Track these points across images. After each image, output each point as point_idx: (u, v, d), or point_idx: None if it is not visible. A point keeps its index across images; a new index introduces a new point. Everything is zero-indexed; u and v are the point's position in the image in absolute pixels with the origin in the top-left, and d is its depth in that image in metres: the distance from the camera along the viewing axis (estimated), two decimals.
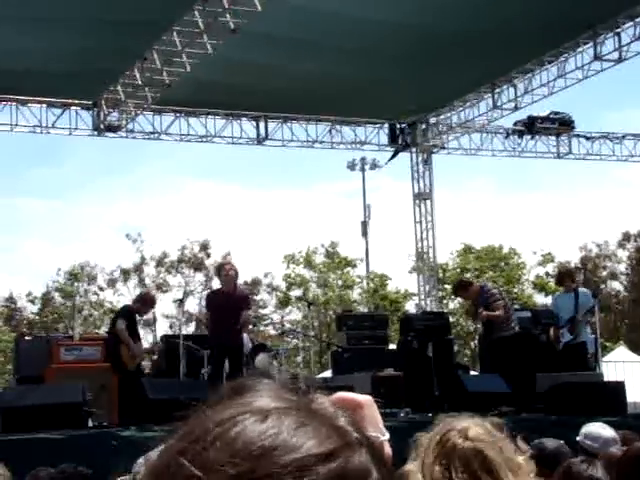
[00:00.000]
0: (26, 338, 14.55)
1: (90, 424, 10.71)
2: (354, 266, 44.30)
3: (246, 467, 0.86)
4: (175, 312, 41.34)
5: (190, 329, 39.32)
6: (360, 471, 0.89)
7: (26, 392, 10.78)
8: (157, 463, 0.90)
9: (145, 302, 12.88)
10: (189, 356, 13.11)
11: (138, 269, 45.28)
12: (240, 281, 13.21)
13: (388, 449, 1.16)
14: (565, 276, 13.99)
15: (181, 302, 15.47)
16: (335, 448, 0.89)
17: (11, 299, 45.69)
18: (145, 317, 13.02)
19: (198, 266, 46.14)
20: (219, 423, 0.90)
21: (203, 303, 44.45)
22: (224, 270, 12.69)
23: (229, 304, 12.27)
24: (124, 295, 45.19)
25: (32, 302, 45.34)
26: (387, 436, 1.16)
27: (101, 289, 44.09)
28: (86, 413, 10.63)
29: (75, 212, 58.91)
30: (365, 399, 1.15)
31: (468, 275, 42.88)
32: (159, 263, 45.68)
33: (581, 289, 14.07)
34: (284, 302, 45.37)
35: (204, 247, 46.22)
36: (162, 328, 42.56)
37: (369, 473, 0.89)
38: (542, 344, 13.42)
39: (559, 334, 13.00)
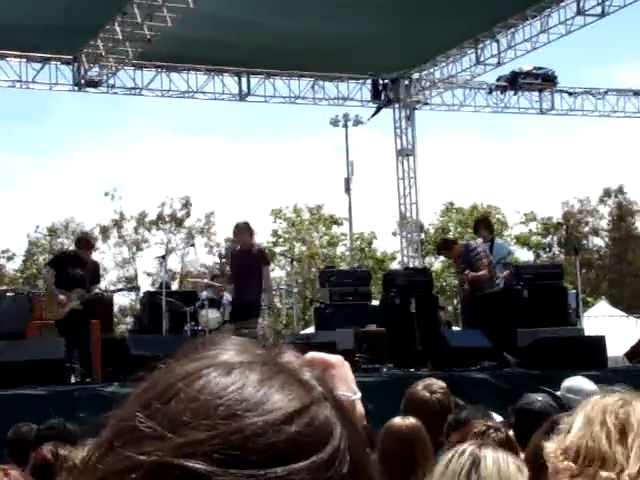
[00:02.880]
0: (7, 294, 14.48)
1: (73, 380, 10.74)
2: (340, 224, 44.37)
3: (210, 425, 0.84)
4: (157, 269, 41.41)
5: (174, 286, 39.31)
6: (325, 426, 0.88)
7: (7, 348, 10.76)
8: (119, 417, 0.89)
9: (81, 244, 12.34)
10: (172, 313, 13.11)
11: (117, 225, 45.13)
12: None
13: (360, 408, 1.16)
14: (481, 225, 14.07)
15: (163, 259, 15.41)
16: (301, 405, 0.88)
17: None
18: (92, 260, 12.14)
19: (179, 223, 46.01)
20: (183, 377, 0.89)
21: (187, 260, 44.63)
22: (240, 230, 12.88)
23: (248, 262, 12.44)
24: (105, 252, 45.16)
25: (10, 259, 45.22)
26: (358, 395, 1.16)
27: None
28: (68, 369, 10.65)
29: (56, 168, 58.64)
30: (336, 359, 1.16)
31: (450, 233, 43.11)
32: (139, 220, 45.54)
33: (498, 240, 14.23)
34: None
35: (185, 204, 46.08)
36: (145, 285, 42.63)
37: (334, 428, 0.88)
38: (524, 299, 13.49)
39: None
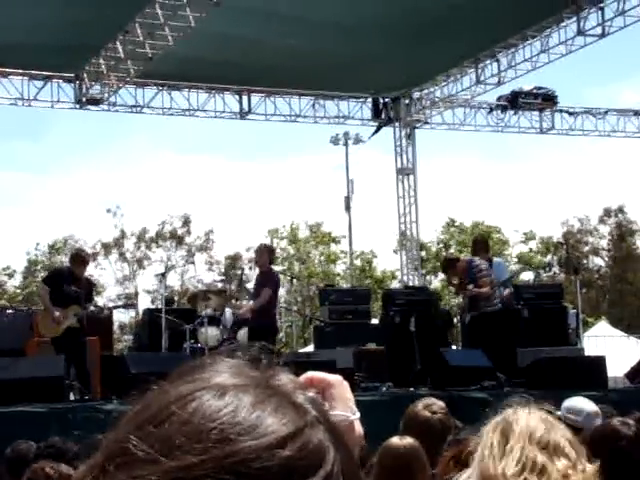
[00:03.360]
0: (7, 311, 14.47)
1: (72, 397, 10.71)
2: (338, 242, 44.37)
3: (203, 449, 0.84)
4: (157, 287, 41.38)
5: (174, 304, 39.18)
6: (318, 450, 0.87)
7: (7, 365, 10.74)
8: (112, 438, 0.88)
9: (75, 261, 12.12)
10: (171, 330, 13.09)
11: (118, 243, 45.15)
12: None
13: (359, 428, 1.16)
14: (479, 246, 14.06)
15: (163, 276, 15.42)
16: (295, 428, 0.87)
17: None
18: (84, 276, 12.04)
19: (179, 240, 46.04)
20: (176, 399, 0.88)
21: (185, 277, 44.57)
22: (259, 251, 13.27)
23: (262, 283, 12.76)
24: (105, 269, 45.16)
25: (10, 276, 45.21)
26: (357, 415, 1.15)
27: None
28: (67, 386, 10.63)
29: (56, 185, 58.70)
30: (334, 378, 1.15)
31: (452, 250, 43.09)
32: (139, 238, 45.55)
33: (496, 259, 14.19)
34: None
35: (185, 222, 46.11)
36: (144, 303, 42.60)
37: (327, 452, 0.88)
38: (524, 319, 13.47)
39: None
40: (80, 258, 12.18)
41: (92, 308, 12.09)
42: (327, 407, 1.11)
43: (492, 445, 2.63)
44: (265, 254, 13.06)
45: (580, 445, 2.71)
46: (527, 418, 2.70)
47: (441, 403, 5.35)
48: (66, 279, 11.62)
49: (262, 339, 12.42)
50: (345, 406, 1.14)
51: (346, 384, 1.17)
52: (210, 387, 0.89)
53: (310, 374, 1.13)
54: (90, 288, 12.25)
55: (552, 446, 2.62)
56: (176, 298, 41.96)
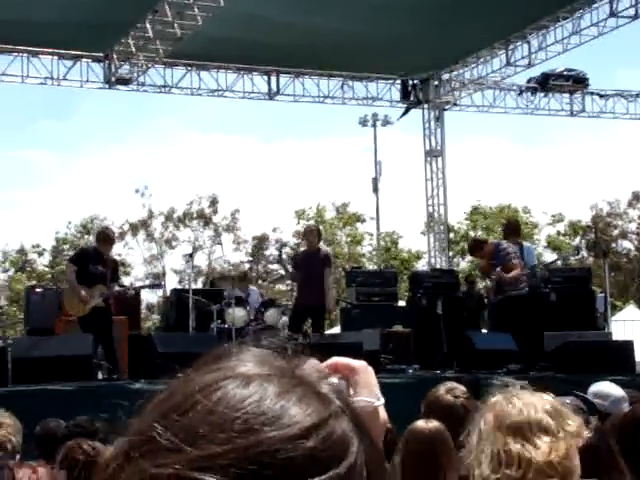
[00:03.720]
0: (37, 290, 14.58)
1: (100, 376, 10.80)
2: (363, 221, 44.29)
3: (227, 439, 0.84)
4: (184, 267, 41.53)
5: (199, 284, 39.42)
6: (342, 441, 0.87)
7: (36, 344, 10.86)
8: (137, 427, 0.88)
9: (100, 239, 12.03)
10: (199, 310, 13.15)
11: (145, 224, 45.32)
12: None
13: (383, 414, 1.16)
14: (515, 228, 13.86)
15: (190, 257, 15.45)
16: (319, 419, 0.87)
17: (22, 251, 45.89)
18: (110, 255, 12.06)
19: (207, 221, 46.14)
20: (201, 388, 0.88)
21: (213, 257, 44.73)
22: (308, 232, 13.19)
23: (313, 264, 12.56)
24: (133, 249, 45.36)
25: (40, 254, 45.53)
26: (382, 401, 1.15)
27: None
28: (96, 365, 10.71)
29: (85, 165, 58.96)
30: (359, 364, 1.15)
31: (479, 233, 42.94)
32: (167, 217, 45.70)
33: (525, 244, 14.01)
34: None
35: (213, 202, 46.19)
36: (171, 282, 42.78)
37: (351, 443, 0.88)
38: (551, 303, 13.41)
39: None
40: (106, 236, 12.23)
41: (118, 287, 12.15)
42: (351, 393, 1.11)
43: (470, 448, 2.53)
44: (315, 235, 13.13)
45: (561, 407, 2.59)
46: (496, 407, 2.57)
47: (462, 387, 5.34)
48: (92, 258, 11.68)
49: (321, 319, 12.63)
50: (370, 392, 1.14)
51: (371, 370, 1.17)
52: (235, 376, 0.89)
53: (335, 360, 1.13)
54: (116, 267, 12.30)
55: (526, 427, 2.49)
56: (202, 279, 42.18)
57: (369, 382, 1.15)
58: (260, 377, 0.89)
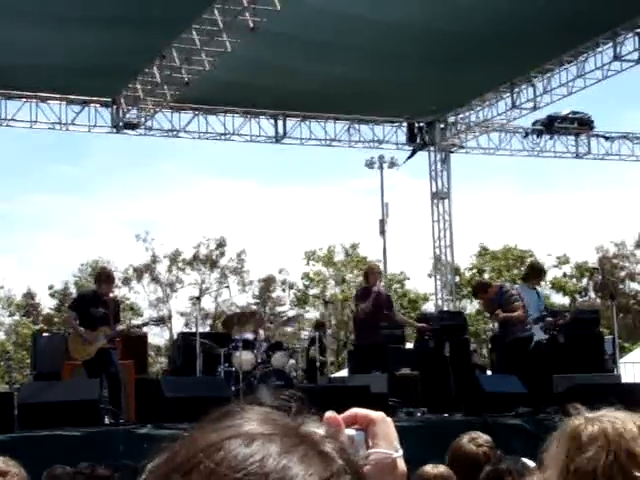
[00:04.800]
0: (44, 334, 14.60)
1: (106, 421, 10.75)
2: None
3: None
4: (191, 309, 41.51)
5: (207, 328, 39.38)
6: None
7: (43, 389, 10.83)
8: None
9: (100, 279, 12.09)
10: (206, 353, 13.12)
11: (148, 268, 45.39)
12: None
13: (402, 465, 1.14)
14: (538, 272, 13.88)
15: (197, 299, 15.48)
16: (320, 479, 0.87)
17: (29, 294, 45.93)
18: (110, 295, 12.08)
19: (213, 263, 46.19)
20: (203, 448, 0.88)
21: (219, 300, 44.71)
22: (373, 269, 13.65)
23: (377, 303, 12.93)
24: (139, 293, 45.40)
25: (53, 296, 45.55)
26: (400, 452, 1.14)
27: (116, 286, 44.27)
28: (102, 410, 10.67)
29: (92, 209, 59.19)
30: (378, 415, 1.14)
31: (485, 276, 42.89)
32: (173, 261, 45.77)
33: (539, 289, 14.03)
34: (302, 300, 45.42)
35: (220, 245, 46.27)
36: (178, 325, 42.75)
37: None
38: (560, 345, 13.35)
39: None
40: (106, 276, 12.27)
41: (121, 327, 12.17)
42: (370, 444, 1.10)
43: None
44: (379, 274, 13.73)
45: None
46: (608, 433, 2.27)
47: (486, 437, 5.30)
48: (92, 301, 11.72)
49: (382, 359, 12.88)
50: (388, 443, 1.13)
51: (390, 421, 1.15)
52: (238, 436, 0.89)
53: (354, 410, 1.12)
54: (117, 308, 12.32)
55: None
56: (209, 322, 42.13)
57: (388, 433, 1.14)
58: (263, 436, 0.89)
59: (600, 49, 17.59)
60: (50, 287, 45.33)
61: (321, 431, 0.94)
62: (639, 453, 2.16)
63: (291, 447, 0.89)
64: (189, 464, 0.87)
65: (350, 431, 1.08)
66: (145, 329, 15.14)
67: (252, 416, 0.93)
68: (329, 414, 1.04)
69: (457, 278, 32.99)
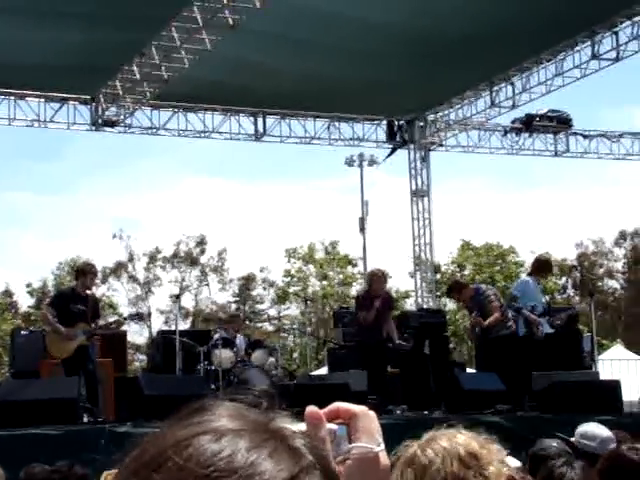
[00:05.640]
0: (22, 332, 14.52)
1: (85, 420, 10.71)
2: (354, 265, 44.39)
3: None
4: (170, 307, 41.41)
5: (187, 325, 39.30)
6: None
7: (21, 387, 10.77)
8: None
9: (81, 274, 11.98)
10: (185, 352, 13.09)
11: (123, 266, 45.26)
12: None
13: (384, 460, 1.14)
14: (544, 266, 13.75)
15: (177, 298, 15.44)
16: (289, 474, 0.87)
17: (7, 292, 45.71)
18: (91, 291, 12.01)
19: (194, 261, 46.11)
20: (173, 444, 0.89)
21: (199, 298, 44.61)
22: (377, 275, 13.42)
23: (379, 305, 12.86)
24: (117, 290, 45.28)
25: (31, 294, 45.36)
26: (382, 447, 1.14)
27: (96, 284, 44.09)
28: (82, 409, 10.63)
29: (71, 207, 58.96)
30: (360, 409, 1.13)
31: (466, 272, 43.04)
32: (152, 259, 45.67)
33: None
34: (282, 298, 45.43)
35: (200, 242, 46.20)
36: (158, 323, 42.65)
37: None
38: (538, 343, 13.41)
39: (539, 322, 12.85)
40: (87, 270, 12.21)
41: (101, 323, 12.14)
42: (352, 439, 1.10)
43: None
44: (385, 280, 13.61)
45: (480, 448, 2.46)
46: (415, 461, 2.46)
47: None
48: (70, 298, 11.70)
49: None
50: (370, 438, 1.12)
51: (373, 415, 1.15)
52: (207, 432, 0.89)
53: (336, 405, 1.11)
54: (96, 304, 12.29)
55: None
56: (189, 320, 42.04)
57: (370, 428, 1.13)
58: (232, 432, 0.89)
59: (578, 48, 17.68)
60: (28, 285, 45.15)
61: (292, 427, 0.95)
62: (476, 451, 2.41)
63: (260, 443, 0.89)
64: (158, 460, 0.87)
65: (332, 425, 1.08)
66: (124, 326, 15.09)
67: (223, 412, 0.93)
68: (310, 409, 1.04)
69: (438, 276, 33.02)
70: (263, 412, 0.95)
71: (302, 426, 1.01)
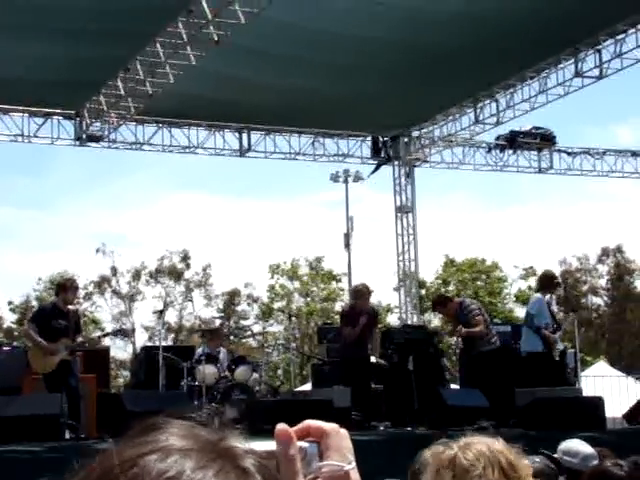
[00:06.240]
0: (4, 348, 14.43)
1: (67, 436, 10.65)
2: (338, 281, 44.40)
3: None
4: (154, 323, 41.27)
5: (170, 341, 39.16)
6: None
7: (3, 403, 10.69)
8: None
9: (63, 289, 11.96)
10: (169, 368, 13.04)
11: (106, 281, 45.10)
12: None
13: (355, 478, 1.14)
14: (550, 282, 13.67)
15: (161, 313, 15.37)
16: None
17: None
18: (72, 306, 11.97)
19: (178, 277, 46.00)
20: (119, 464, 0.88)
21: (184, 314, 44.50)
22: (362, 291, 13.35)
23: (364, 321, 12.84)
24: (101, 306, 45.11)
25: (13, 311, 45.18)
26: (352, 465, 1.13)
27: (78, 301, 43.89)
28: (64, 425, 10.57)
29: (55, 222, 58.77)
30: (331, 427, 1.12)
31: (451, 288, 43.08)
32: (136, 274, 45.53)
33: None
34: (267, 313, 45.36)
35: (184, 258, 46.10)
36: (141, 339, 42.50)
37: None
38: (522, 359, 13.42)
39: (555, 339, 12.88)
40: (67, 285, 12.18)
41: (82, 339, 12.11)
42: (324, 457, 1.10)
43: None
44: (369, 295, 13.45)
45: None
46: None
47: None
48: (52, 314, 11.67)
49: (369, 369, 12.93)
50: (341, 456, 1.11)
51: (344, 433, 1.13)
52: (154, 451, 0.89)
53: (307, 422, 1.10)
54: (77, 319, 12.25)
55: None
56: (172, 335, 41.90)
57: (341, 446, 1.12)
58: (179, 452, 0.89)
59: (562, 65, 17.78)
60: (9, 303, 44.94)
61: (242, 446, 0.94)
62: (515, 462, 2.42)
63: (207, 462, 0.88)
64: (105, 479, 0.87)
65: (303, 443, 1.07)
66: (108, 342, 15.06)
67: (172, 431, 0.93)
68: (280, 426, 1.04)
69: (422, 291, 33.08)
70: (215, 431, 0.95)
71: (272, 444, 1.01)
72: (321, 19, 14.89)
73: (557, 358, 12.84)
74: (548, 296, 13.27)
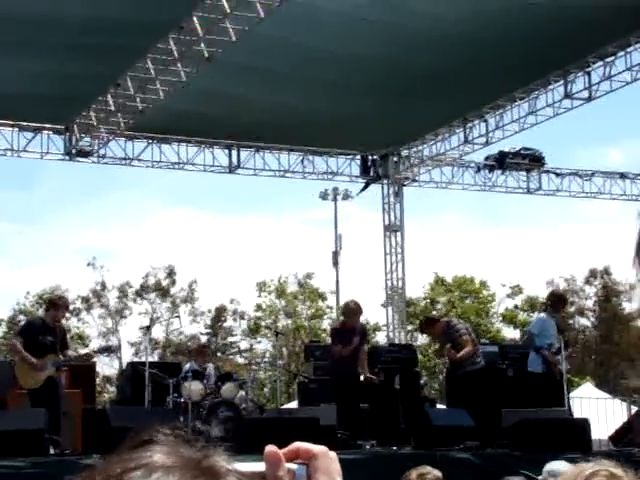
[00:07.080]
0: None
1: (52, 451, 10.59)
2: (324, 299, 44.40)
3: None
4: (141, 339, 41.16)
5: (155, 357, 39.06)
6: None
7: None
8: None
9: (52, 306, 11.94)
10: (155, 384, 13.00)
11: (96, 295, 44.96)
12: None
13: None
14: (558, 301, 13.61)
15: (147, 329, 15.36)
16: None
17: None
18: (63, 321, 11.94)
19: (164, 293, 45.88)
20: (104, 479, 0.89)
21: (170, 329, 44.38)
22: (352, 308, 13.20)
23: (353, 338, 12.73)
24: (88, 323, 44.97)
25: None
26: None
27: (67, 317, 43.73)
28: (49, 440, 10.51)
29: (43, 237, 58.59)
30: (319, 449, 1.12)
31: (439, 306, 43.12)
32: (122, 290, 45.40)
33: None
34: (254, 330, 45.28)
35: (170, 274, 45.98)
36: (128, 355, 42.36)
37: None
38: (508, 379, 13.44)
39: (557, 360, 12.86)
40: (59, 303, 12.15)
41: (69, 354, 12.06)
42: (312, 479, 1.10)
43: None
44: (359, 313, 13.30)
45: None
46: None
47: (437, 472, 5.28)
48: (40, 329, 11.62)
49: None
50: (329, 478, 1.11)
51: (333, 455, 1.14)
52: (139, 467, 0.90)
53: (296, 445, 1.11)
54: (64, 336, 12.21)
55: None
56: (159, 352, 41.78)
57: (330, 468, 1.12)
58: (163, 469, 0.90)
59: (551, 87, 17.87)
60: None
61: (225, 464, 0.95)
62: None
63: (190, 479, 0.89)
64: None
65: (291, 465, 1.07)
66: (94, 358, 15.00)
67: (158, 447, 0.93)
68: (269, 448, 1.04)
69: (410, 309, 33.09)
70: (199, 448, 0.95)
71: (261, 466, 1.01)
72: (312, 37, 14.94)
73: (558, 378, 12.79)
74: (555, 316, 13.19)
